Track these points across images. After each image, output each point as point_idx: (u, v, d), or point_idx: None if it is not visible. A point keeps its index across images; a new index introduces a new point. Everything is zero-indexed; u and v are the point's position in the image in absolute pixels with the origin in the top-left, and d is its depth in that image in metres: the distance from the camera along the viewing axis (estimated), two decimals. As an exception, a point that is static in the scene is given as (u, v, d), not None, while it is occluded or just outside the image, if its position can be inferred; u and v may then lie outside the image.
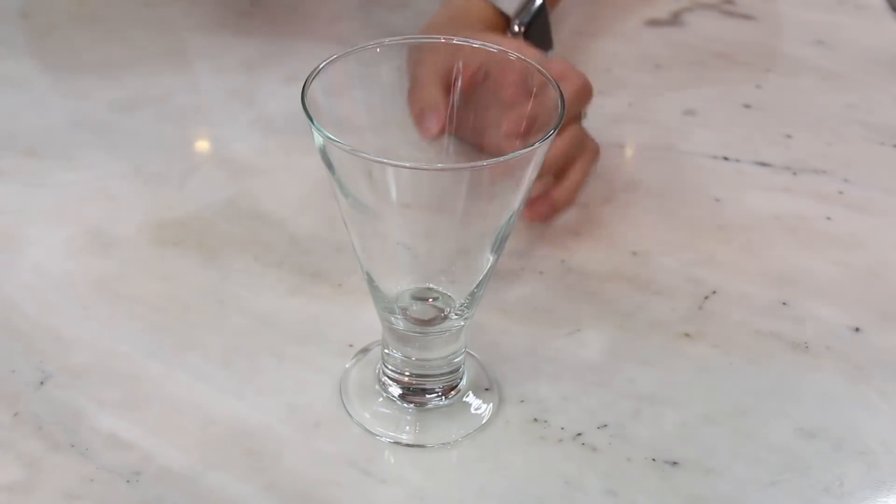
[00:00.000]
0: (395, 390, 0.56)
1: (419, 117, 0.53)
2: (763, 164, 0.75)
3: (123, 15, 0.90)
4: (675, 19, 0.92)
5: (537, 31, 0.57)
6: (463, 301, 0.53)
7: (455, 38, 0.49)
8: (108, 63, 0.83)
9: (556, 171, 0.60)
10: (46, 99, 0.79)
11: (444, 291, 0.53)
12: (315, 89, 0.49)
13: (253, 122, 0.77)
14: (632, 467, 0.53)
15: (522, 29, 0.60)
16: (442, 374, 0.55)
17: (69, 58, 0.84)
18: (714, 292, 0.64)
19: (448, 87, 0.51)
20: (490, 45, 0.49)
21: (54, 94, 0.79)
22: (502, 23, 0.62)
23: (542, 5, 0.53)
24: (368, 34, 0.86)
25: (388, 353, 0.55)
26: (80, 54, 0.84)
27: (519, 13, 0.61)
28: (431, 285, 0.53)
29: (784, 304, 0.63)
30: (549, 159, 0.54)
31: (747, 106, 0.82)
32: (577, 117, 0.59)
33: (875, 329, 0.62)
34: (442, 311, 0.53)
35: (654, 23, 0.91)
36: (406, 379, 0.55)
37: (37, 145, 0.74)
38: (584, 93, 0.56)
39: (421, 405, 0.56)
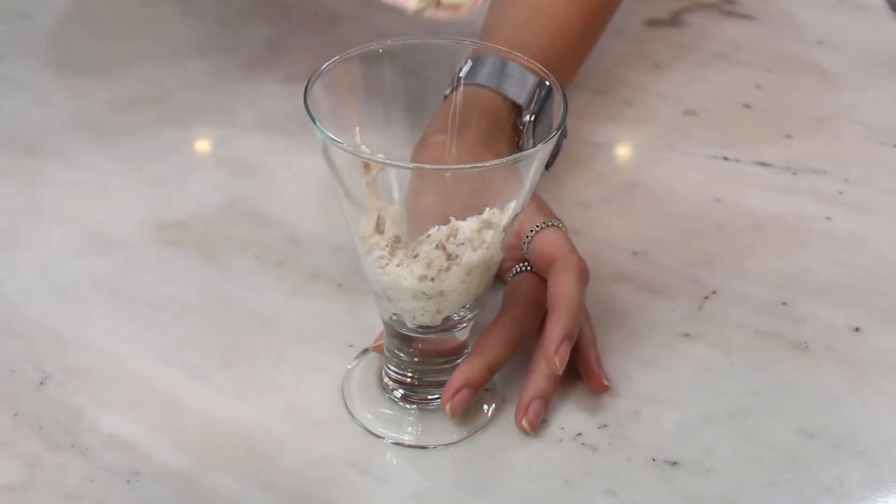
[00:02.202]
0: (398, 391, 0.56)
1: None
2: (763, 164, 0.75)
3: (123, 15, 0.90)
4: (675, 19, 0.92)
5: (547, 118, 0.56)
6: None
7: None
8: (108, 63, 0.83)
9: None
10: (46, 99, 0.79)
11: (445, 292, 0.53)
12: (317, 89, 0.49)
13: (253, 122, 0.77)
14: (632, 467, 0.53)
15: (533, 117, 0.60)
16: (444, 375, 0.55)
17: (69, 58, 0.84)
18: (714, 292, 0.64)
19: None
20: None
21: (54, 94, 0.79)
22: (513, 113, 0.62)
23: (550, 90, 0.52)
24: (369, 35, 0.86)
25: (390, 354, 0.55)
26: (80, 54, 0.84)
27: (529, 102, 0.61)
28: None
29: (784, 304, 0.63)
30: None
31: (747, 106, 0.82)
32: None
33: (875, 329, 0.62)
34: (443, 311, 0.53)
35: (654, 23, 0.91)
36: (408, 380, 0.55)
37: (37, 145, 0.74)
38: (585, 276, 0.56)
39: (423, 406, 0.56)
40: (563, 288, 0.54)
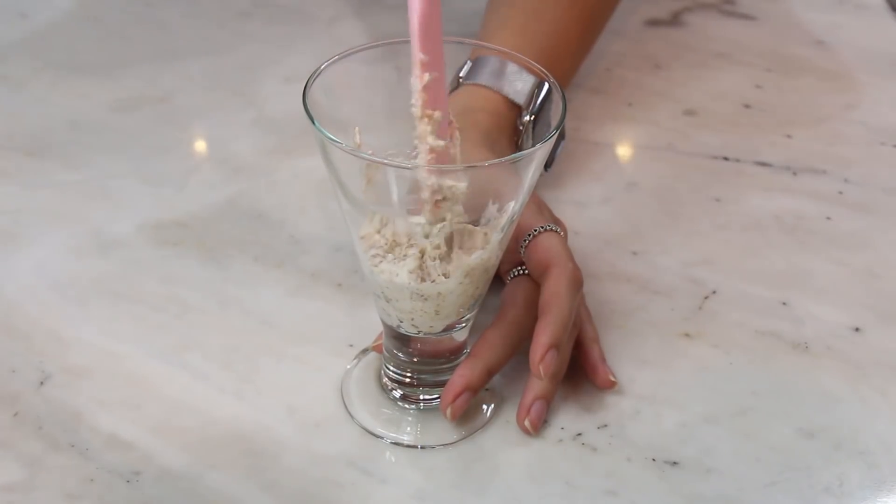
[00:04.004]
0: (397, 391, 0.56)
1: None
2: (763, 164, 0.75)
3: (123, 15, 0.90)
4: (675, 19, 0.92)
5: (547, 118, 0.56)
6: (463, 301, 0.53)
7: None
8: (108, 63, 0.83)
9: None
10: (46, 99, 0.79)
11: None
12: (316, 90, 0.49)
13: (253, 122, 0.77)
14: (632, 467, 0.53)
15: (533, 118, 0.60)
16: (443, 376, 0.55)
17: (69, 58, 0.84)
18: (714, 292, 0.64)
19: None
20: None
21: (54, 94, 0.79)
22: (513, 113, 0.62)
23: (549, 91, 0.52)
24: (368, 34, 0.86)
25: (389, 354, 0.55)
26: (80, 54, 0.84)
27: (529, 102, 0.61)
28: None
29: (784, 304, 0.63)
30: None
31: (747, 106, 0.82)
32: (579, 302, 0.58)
33: (875, 329, 0.62)
34: (442, 311, 0.53)
35: (654, 23, 0.91)
36: (407, 380, 0.55)
37: (37, 145, 0.74)
38: (577, 284, 0.56)
39: (422, 406, 0.56)
40: (552, 296, 0.54)
